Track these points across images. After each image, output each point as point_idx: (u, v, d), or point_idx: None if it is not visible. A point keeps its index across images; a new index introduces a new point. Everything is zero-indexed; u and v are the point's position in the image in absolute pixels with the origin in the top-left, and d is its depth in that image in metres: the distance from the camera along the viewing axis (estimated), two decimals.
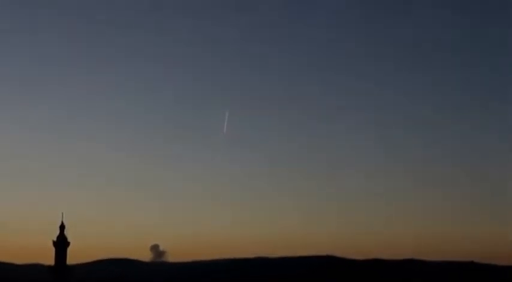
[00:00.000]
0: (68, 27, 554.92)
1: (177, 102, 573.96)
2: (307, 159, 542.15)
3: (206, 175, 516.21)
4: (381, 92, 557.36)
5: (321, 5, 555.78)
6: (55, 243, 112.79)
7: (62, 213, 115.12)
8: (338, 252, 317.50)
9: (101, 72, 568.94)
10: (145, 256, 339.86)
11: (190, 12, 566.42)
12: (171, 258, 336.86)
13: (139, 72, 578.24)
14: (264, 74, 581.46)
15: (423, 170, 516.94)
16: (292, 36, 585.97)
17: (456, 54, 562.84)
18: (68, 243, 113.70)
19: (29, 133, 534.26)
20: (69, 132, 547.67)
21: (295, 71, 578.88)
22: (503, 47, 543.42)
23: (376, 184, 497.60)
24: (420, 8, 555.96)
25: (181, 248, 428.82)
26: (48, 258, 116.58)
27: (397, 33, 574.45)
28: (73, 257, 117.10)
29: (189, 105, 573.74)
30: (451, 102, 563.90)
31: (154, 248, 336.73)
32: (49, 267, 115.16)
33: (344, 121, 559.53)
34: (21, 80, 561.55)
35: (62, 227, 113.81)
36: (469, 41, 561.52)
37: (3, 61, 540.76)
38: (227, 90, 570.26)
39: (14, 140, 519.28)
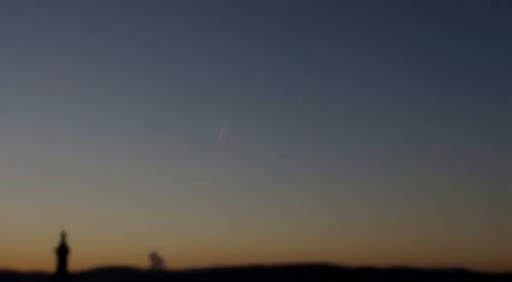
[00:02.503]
0: (68, 28, 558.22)
1: (176, 109, 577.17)
2: (299, 165, 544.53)
3: (205, 182, 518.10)
4: (377, 98, 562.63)
5: (319, 4, 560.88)
6: (56, 251, 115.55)
7: (63, 221, 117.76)
8: (330, 260, 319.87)
9: (100, 78, 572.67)
10: (144, 264, 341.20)
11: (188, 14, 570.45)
12: (170, 265, 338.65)
13: (140, 76, 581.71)
14: (261, 76, 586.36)
15: (416, 177, 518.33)
16: (288, 42, 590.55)
17: (456, 54, 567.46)
18: (68, 251, 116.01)
19: (29, 140, 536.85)
20: (68, 139, 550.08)
21: (293, 76, 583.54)
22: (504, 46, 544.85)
23: (369, 191, 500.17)
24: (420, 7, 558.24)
25: (180, 256, 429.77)
26: (49, 265, 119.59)
27: (398, 33, 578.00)
28: (73, 264, 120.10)
29: (187, 112, 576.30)
30: (445, 109, 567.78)
31: (153, 255, 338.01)
32: (50, 275, 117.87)
33: (336, 128, 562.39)
34: (19, 84, 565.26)
35: (63, 235, 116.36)
36: (469, 40, 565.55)
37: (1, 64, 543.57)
38: (223, 96, 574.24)
39: (14, 147, 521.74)
